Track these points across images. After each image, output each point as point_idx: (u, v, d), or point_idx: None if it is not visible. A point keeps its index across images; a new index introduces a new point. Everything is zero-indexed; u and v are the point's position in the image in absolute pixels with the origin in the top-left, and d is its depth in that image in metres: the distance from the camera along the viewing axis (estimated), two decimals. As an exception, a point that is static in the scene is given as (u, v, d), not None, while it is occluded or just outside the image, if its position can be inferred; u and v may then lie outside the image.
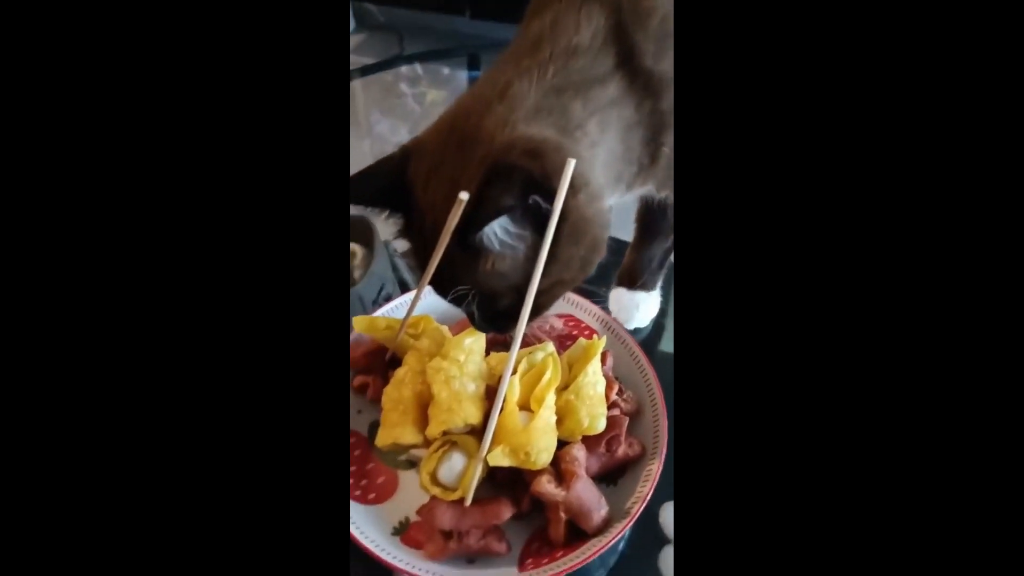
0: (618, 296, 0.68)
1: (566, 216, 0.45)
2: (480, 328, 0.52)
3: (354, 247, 0.71)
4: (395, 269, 0.74)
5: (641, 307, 0.67)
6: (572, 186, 0.45)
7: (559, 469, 0.49)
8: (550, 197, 0.43)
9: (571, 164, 0.42)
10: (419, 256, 0.50)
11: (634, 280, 0.67)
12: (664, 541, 0.53)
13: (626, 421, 0.53)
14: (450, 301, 0.49)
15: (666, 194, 0.57)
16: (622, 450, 0.53)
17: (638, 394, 0.57)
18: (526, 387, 0.51)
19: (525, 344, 0.56)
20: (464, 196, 0.42)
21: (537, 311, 0.50)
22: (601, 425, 0.51)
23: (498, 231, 0.43)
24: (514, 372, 0.50)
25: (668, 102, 0.48)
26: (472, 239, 0.43)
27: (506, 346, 0.59)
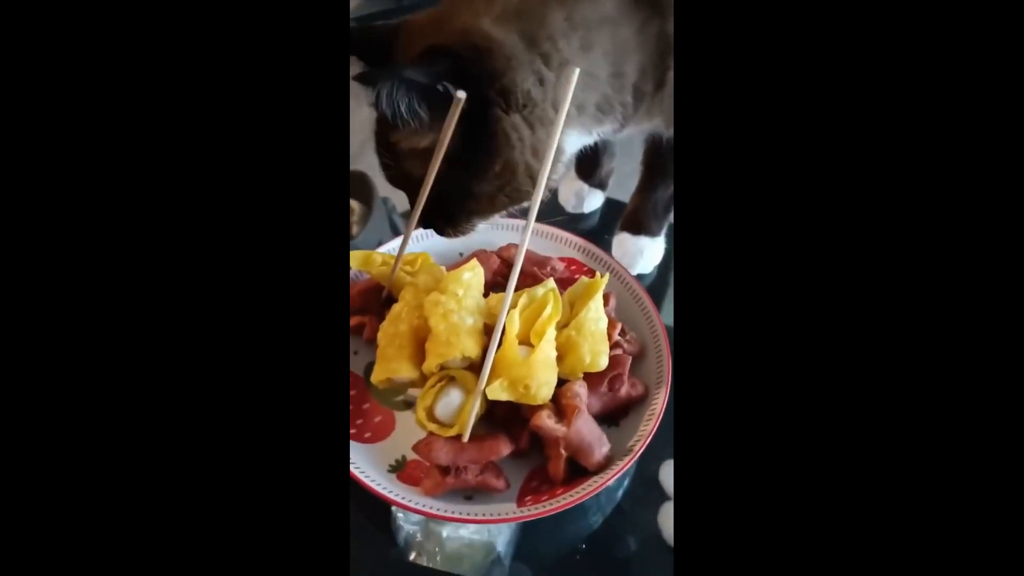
0: (621, 241, 0.66)
1: (488, 125, 0.44)
2: (424, 223, 0.53)
3: (353, 203, 0.71)
4: (393, 226, 0.73)
5: (645, 253, 0.66)
6: (509, 101, 0.44)
7: (559, 405, 0.48)
8: (467, 90, 0.42)
9: (575, 74, 0.40)
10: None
11: (639, 225, 0.66)
12: (664, 498, 0.51)
13: (629, 360, 0.52)
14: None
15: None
16: (624, 390, 0.51)
17: (641, 336, 0.56)
18: (526, 322, 0.49)
19: (527, 284, 0.55)
20: (461, 95, 0.40)
21: (456, 220, 0.51)
22: (603, 363, 0.49)
23: (401, 104, 0.41)
24: (513, 307, 0.48)
25: None
26: (372, 95, 0.41)
27: (503, 287, 0.58)
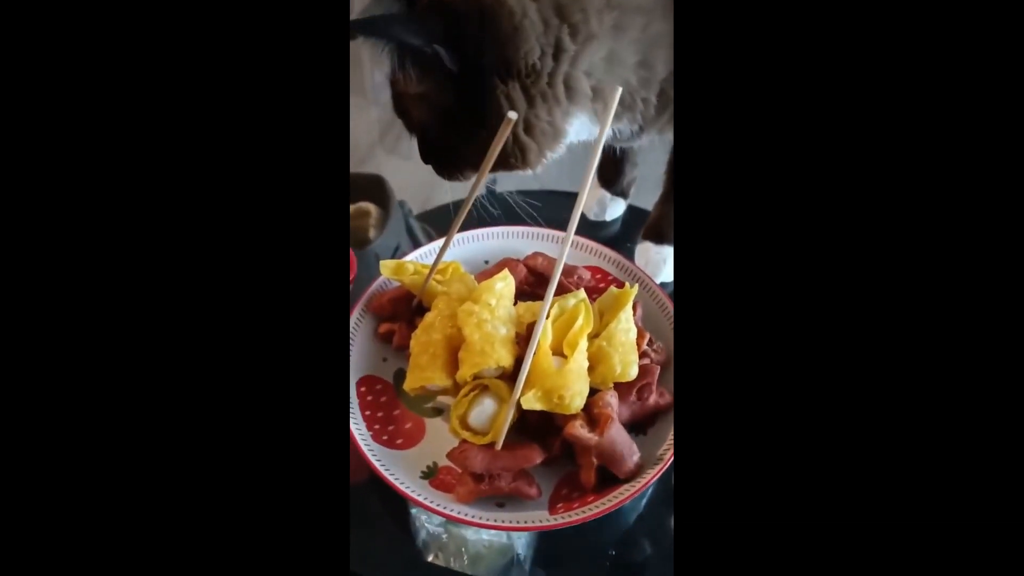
0: (645, 249, 0.67)
1: (482, 92, 0.45)
2: (423, 159, 0.53)
3: (369, 206, 0.71)
4: (409, 229, 0.73)
5: (668, 261, 0.66)
6: (509, 71, 0.44)
7: (592, 414, 0.49)
8: (456, 56, 0.42)
9: (617, 92, 0.40)
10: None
11: (662, 235, 0.66)
12: None
13: (657, 370, 0.53)
14: None
15: None
16: (653, 399, 0.52)
17: (667, 346, 0.57)
18: (558, 332, 0.50)
19: (556, 293, 0.56)
20: (512, 116, 0.41)
21: (448, 169, 0.52)
22: (633, 372, 0.50)
23: (389, 61, 0.42)
24: (547, 316, 0.49)
25: None
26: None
27: (534, 296, 0.59)
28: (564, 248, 0.46)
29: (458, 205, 0.52)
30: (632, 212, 0.76)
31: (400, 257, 0.60)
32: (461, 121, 0.47)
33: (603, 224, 0.75)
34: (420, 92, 0.47)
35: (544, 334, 0.48)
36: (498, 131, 0.43)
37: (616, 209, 0.74)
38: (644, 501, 0.53)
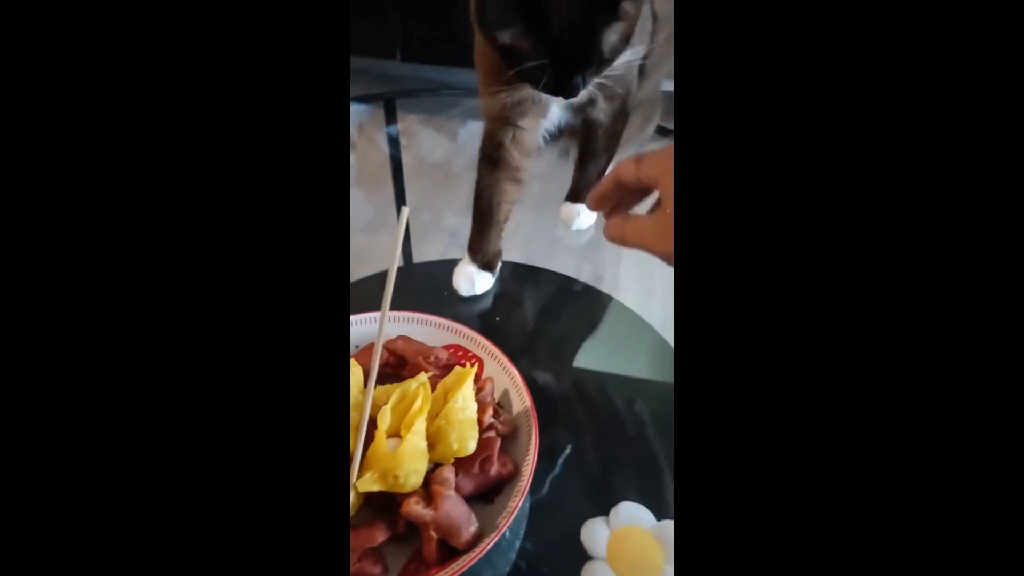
0: (565, 207, 0.88)
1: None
2: (551, 90, 0.64)
3: None
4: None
5: (583, 214, 0.87)
6: None
7: (429, 490, 0.52)
8: None
9: (405, 212, 0.46)
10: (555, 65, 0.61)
11: (577, 195, 0.88)
12: (586, 557, 0.55)
13: (498, 442, 0.57)
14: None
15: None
16: (495, 469, 0.56)
17: (516, 418, 0.61)
18: (398, 415, 0.54)
19: (411, 373, 0.60)
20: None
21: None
22: (471, 447, 0.54)
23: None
24: (386, 402, 0.53)
25: None
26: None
27: (397, 376, 0.63)
28: (380, 327, 0.50)
29: (381, 278, 0.56)
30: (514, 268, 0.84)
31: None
32: None
33: (475, 298, 0.80)
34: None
35: (383, 418, 0.52)
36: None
37: (484, 283, 0.80)
38: (546, 568, 0.56)
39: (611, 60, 0.64)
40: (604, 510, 0.58)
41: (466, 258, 0.80)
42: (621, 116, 0.79)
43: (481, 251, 0.79)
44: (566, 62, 0.61)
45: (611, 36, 0.62)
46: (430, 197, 1.10)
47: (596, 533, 0.57)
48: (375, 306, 0.61)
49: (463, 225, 0.81)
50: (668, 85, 0.74)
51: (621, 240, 0.47)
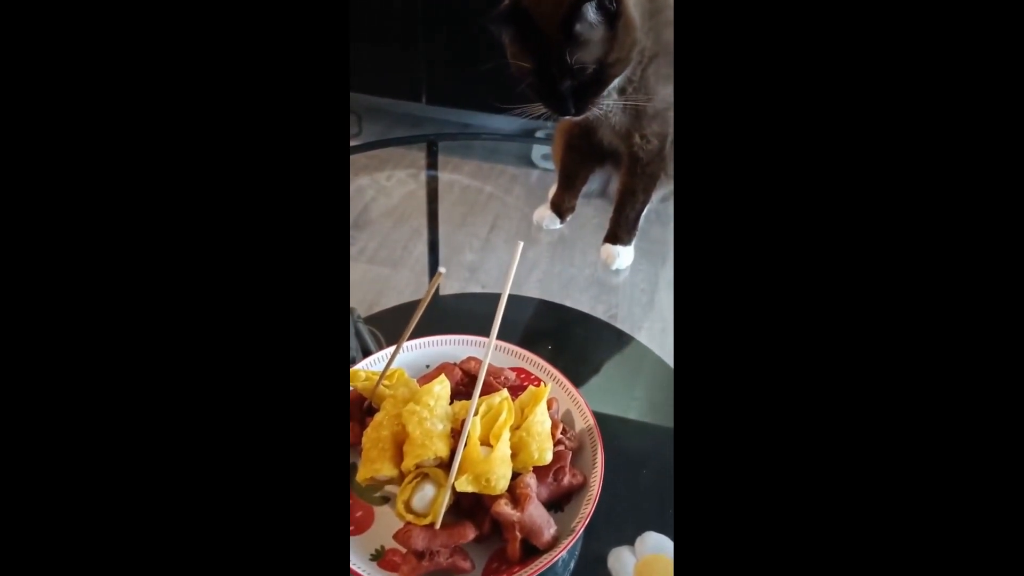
0: (605, 248, 0.95)
1: (620, 14, 0.70)
2: (559, 110, 0.76)
3: None
4: (358, 332, 0.83)
5: (622, 255, 0.95)
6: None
7: (514, 494, 0.58)
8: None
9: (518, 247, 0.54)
10: (539, 75, 0.74)
11: (616, 238, 0.95)
12: None
13: (569, 455, 0.63)
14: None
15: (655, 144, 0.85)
16: (567, 479, 0.62)
17: (580, 434, 0.68)
18: (485, 426, 0.60)
19: (485, 392, 0.66)
20: (442, 270, 0.53)
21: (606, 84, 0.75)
22: (548, 457, 0.61)
23: (590, 15, 0.67)
24: (476, 413, 0.60)
25: None
26: (573, 26, 0.67)
27: (468, 395, 0.69)
28: (488, 351, 0.57)
29: (403, 308, 0.63)
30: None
31: (353, 365, 0.70)
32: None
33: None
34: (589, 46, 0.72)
35: (473, 428, 0.59)
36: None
37: (555, 223, 1.01)
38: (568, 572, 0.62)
39: (598, 76, 0.73)
40: (630, 539, 0.63)
41: (547, 206, 1.02)
42: (659, 158, 0.87)
43: (558, 204, 1.00)
44: (543, 71, 0.72)
45: (576, 50, 0.70)
46: (450, 235, 1.16)
47: (622, 560, 0.62)
48: (394, 338, 0.68)
49: (481, 260, 0.94)
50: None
51: None
